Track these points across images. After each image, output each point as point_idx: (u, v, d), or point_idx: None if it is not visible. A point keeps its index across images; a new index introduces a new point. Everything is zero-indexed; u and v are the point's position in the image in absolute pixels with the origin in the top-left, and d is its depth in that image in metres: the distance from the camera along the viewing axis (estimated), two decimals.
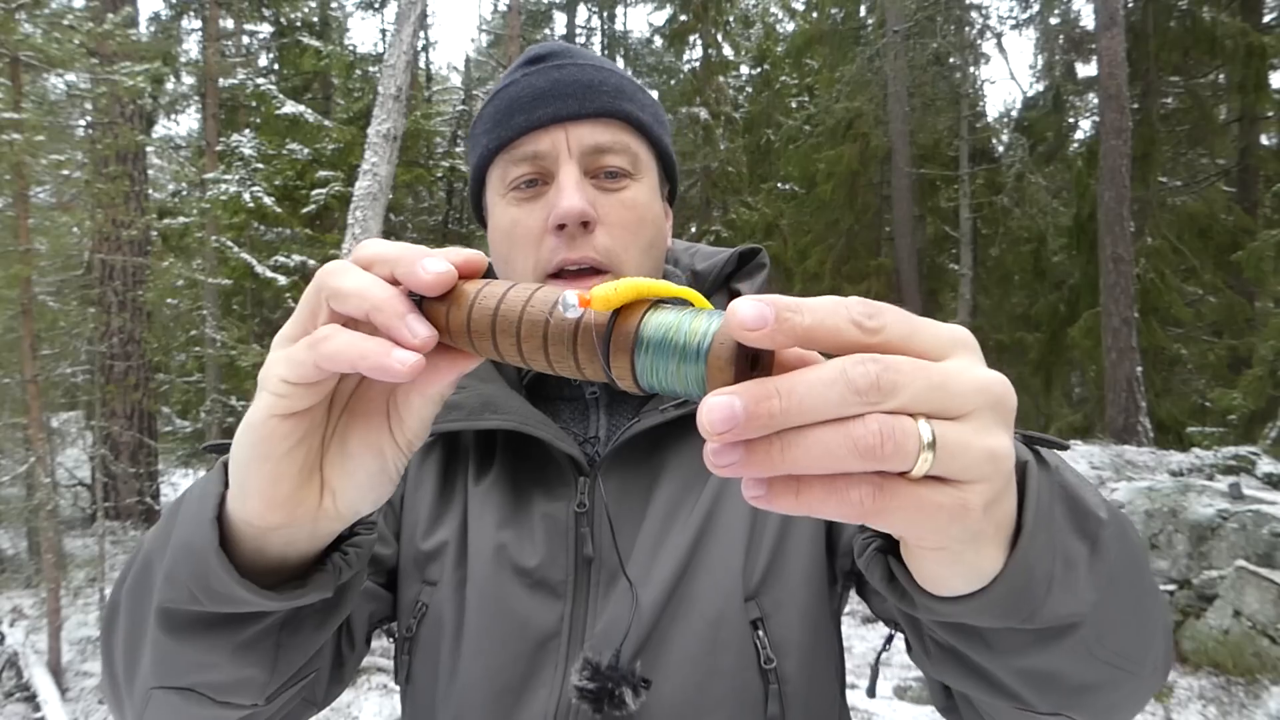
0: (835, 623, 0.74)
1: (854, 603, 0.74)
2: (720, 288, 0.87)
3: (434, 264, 0.39)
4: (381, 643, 5.42)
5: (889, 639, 0.71)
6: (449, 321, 0.40)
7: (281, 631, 0.50)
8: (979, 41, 14.74)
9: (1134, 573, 0.45)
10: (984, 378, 0.31)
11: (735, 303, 0.29)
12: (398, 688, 0.79)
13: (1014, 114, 16.72)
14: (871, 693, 0.75)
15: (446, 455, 0.80)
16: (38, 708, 5.06)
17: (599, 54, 0.82)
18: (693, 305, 0.34)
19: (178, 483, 12.48)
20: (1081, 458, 6.69)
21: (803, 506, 0.30)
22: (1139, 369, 9.22)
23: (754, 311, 0.29)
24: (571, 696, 0.64)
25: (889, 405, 0.29)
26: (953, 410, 0.30)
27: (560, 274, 0.72)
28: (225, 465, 0.46)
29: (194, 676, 0.50)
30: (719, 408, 0.28)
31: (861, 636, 5.74)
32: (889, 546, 0.41)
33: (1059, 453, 0.46)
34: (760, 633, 0.67)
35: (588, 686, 0.63)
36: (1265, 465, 6.29)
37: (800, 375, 0.29)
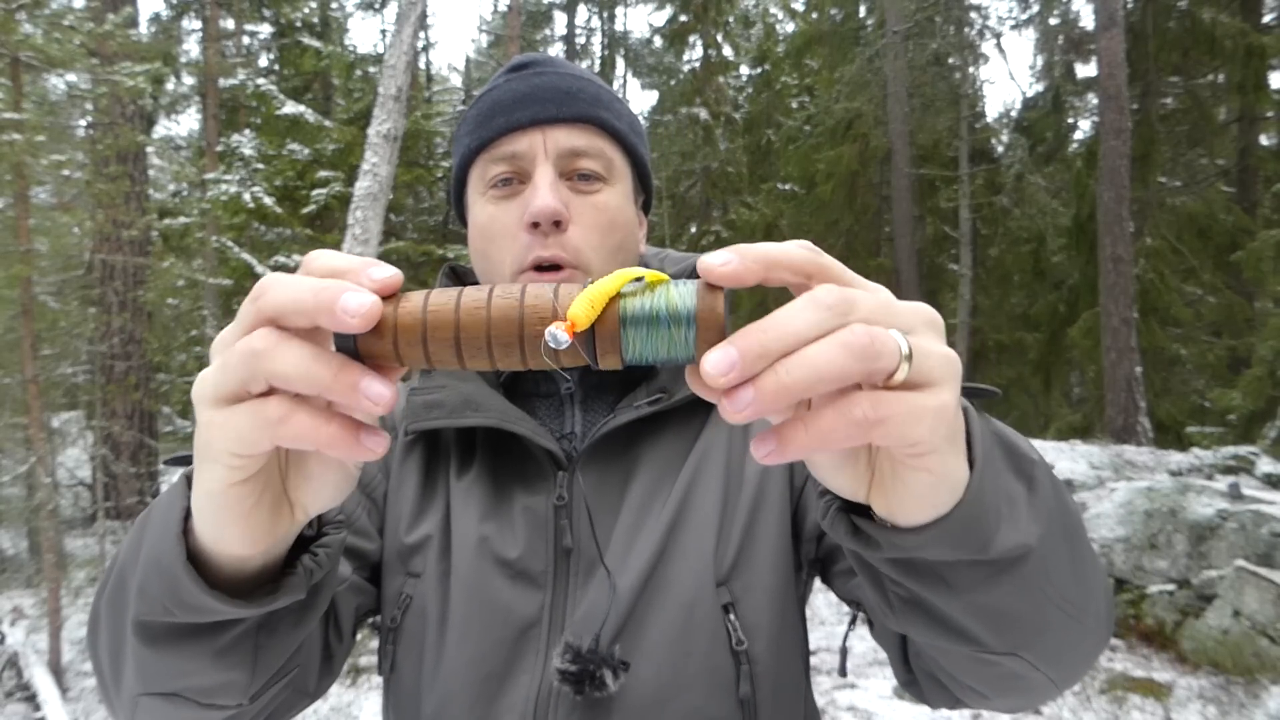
0: (801, 608, 0.78)
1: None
2: None
3: (355, 301, 0.35)
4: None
5: (853, 619, 0.75)
6: (396, 329, 0.37)
7: (259, 634, 0.51)
8: (979, 42, 14.75)
9: (1067, 516, 0.48)
10: (914, 303, 0.37)
11: (703, 256, 0.35)
12: (382, 695, 0.80)
13: (1014, 114, 16.73)
14: (842, 672, 0.80)
15: (428, 452, 0.83)
16: (38, 708, 5.06)
17: (584, 65, 0.88)
18: (648, 281, 0.37)
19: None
20: (1081, 458, 6.70)
21: (813, 437, 0.33)
22: (1139, 369, 9.23)
23: (720, 255, 0.35)
24: (553, 680, 0.67)
25: (855, 317, 0.34)
26: (903, 326, 0.35)
27: (535, 269, 0.75)
28: (188, 478, 0.46)
29: (177, 683, 0.52)
30: (717, 357, 0.33)
31: (861, 636, 5.75)
32: (850, 507, 0.45)
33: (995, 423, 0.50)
34: (731, 616, 0.71)
35: (569, 669, 0.66)
36: (1265, 465, 6.29)
37: (775, 313, 0.34)
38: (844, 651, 0.78)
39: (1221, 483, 5.68)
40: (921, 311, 0.37)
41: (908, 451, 0.36)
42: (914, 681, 0.64)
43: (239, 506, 0.41)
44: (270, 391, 0.37)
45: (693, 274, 0.88)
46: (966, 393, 0.49)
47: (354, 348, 0.38)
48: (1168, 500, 5.42)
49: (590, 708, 0.68)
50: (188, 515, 0.46)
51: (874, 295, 0.36)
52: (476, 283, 0.85)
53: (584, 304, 0.35)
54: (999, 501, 0.42)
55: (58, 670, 5.52)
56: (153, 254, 10.27)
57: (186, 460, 0.50)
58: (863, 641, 5.62)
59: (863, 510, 0.43)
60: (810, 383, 0.32)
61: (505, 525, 0.76)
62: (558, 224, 0.74)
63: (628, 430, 0.77)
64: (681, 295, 0.35)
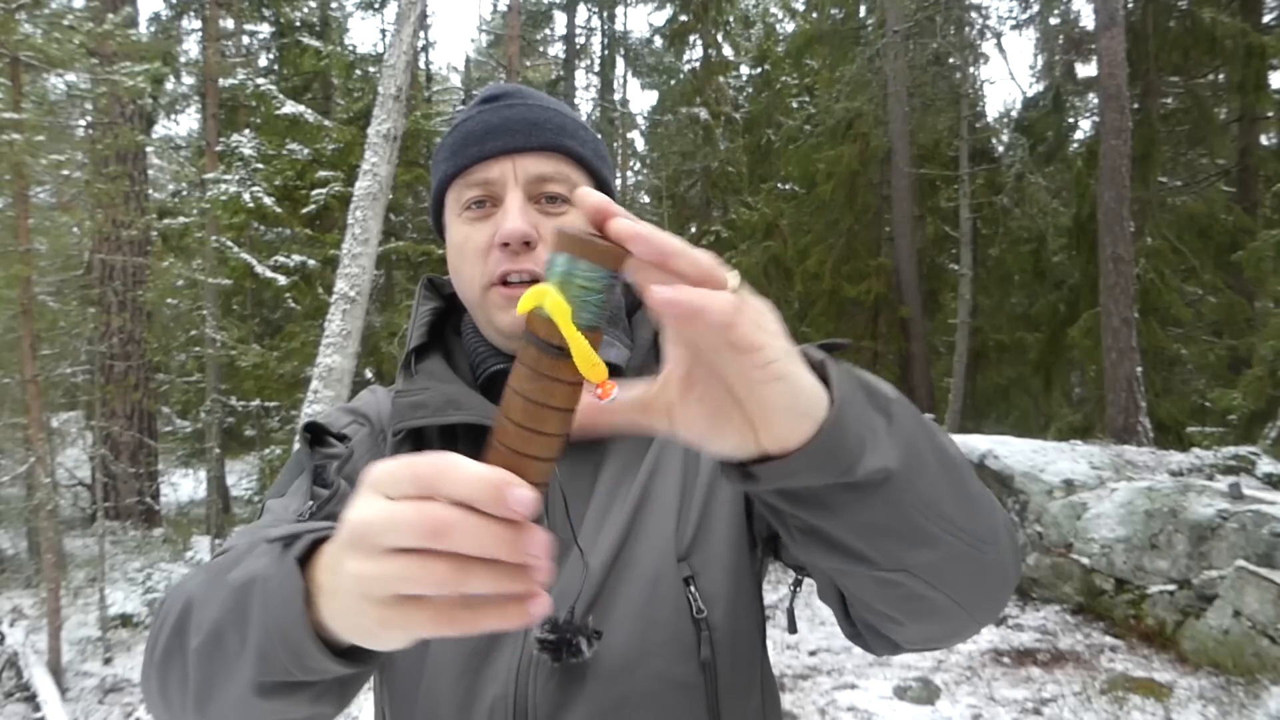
0: (757, 583, 0.86)
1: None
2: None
3: (526, 497, 0.40)
4: None
5: (797, 583, 0.84)
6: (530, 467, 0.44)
7: (350, 677, 0.57)
8: (979, 41, 14.74)
9: (934, 448, 0.54)
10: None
11: (575, 194, 0.43)
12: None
13: (1014, 114, 16.72)
14: (792, 629, 0.90)
15: (413, 450, 0.88)
16: (38, 708, 5.06)
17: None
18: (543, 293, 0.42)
19: (178, 483, 12.45)
20: (1082, 458, 6.69)
21: (698, 298, 0.40)
22: (1139, 369, 9.22)
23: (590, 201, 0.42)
24: (533, 649, 0.75)
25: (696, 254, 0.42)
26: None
27: (504, 283, 0.84)
28: (297, 561, 0.51)
29: (275, 719, 0.59)
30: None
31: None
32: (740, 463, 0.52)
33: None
34: (692, 588, 0.79)
35: (548, 638, 0.74)
36: (1265, 465, 6.29)
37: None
38: (790, 612, 0.89)
39: (1222, 483, 5.67)
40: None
41: (756, 359, 0.42)
42: (856, 633, 0.71)
43: (384, 644, 0.46)
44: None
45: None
46: (823, 349, 0.56)
47: None
48: (1168, 500, 5.42)
49: (567, 673, 0.75)
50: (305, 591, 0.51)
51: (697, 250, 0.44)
52: (453, 294, 0.95)
53: (588, 366, 0.41)
54: (860, 430, 0.48)
55: (57, 670, 5.52)
56: (152, 254, 10.27)
57: (319, 433, 0.56)
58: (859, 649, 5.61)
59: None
60: (675, 252, 0.41)
61: None
62: (527, 244, 0.83)
63: None
64: (593, 275, 0.41)
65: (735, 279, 0.43)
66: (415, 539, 0.40)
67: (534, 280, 0.82)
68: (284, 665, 0.52)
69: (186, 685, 0.61)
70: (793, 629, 0.90)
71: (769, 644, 0.91)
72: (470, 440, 0.87)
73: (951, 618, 0.60)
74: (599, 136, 0.96)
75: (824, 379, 0.48)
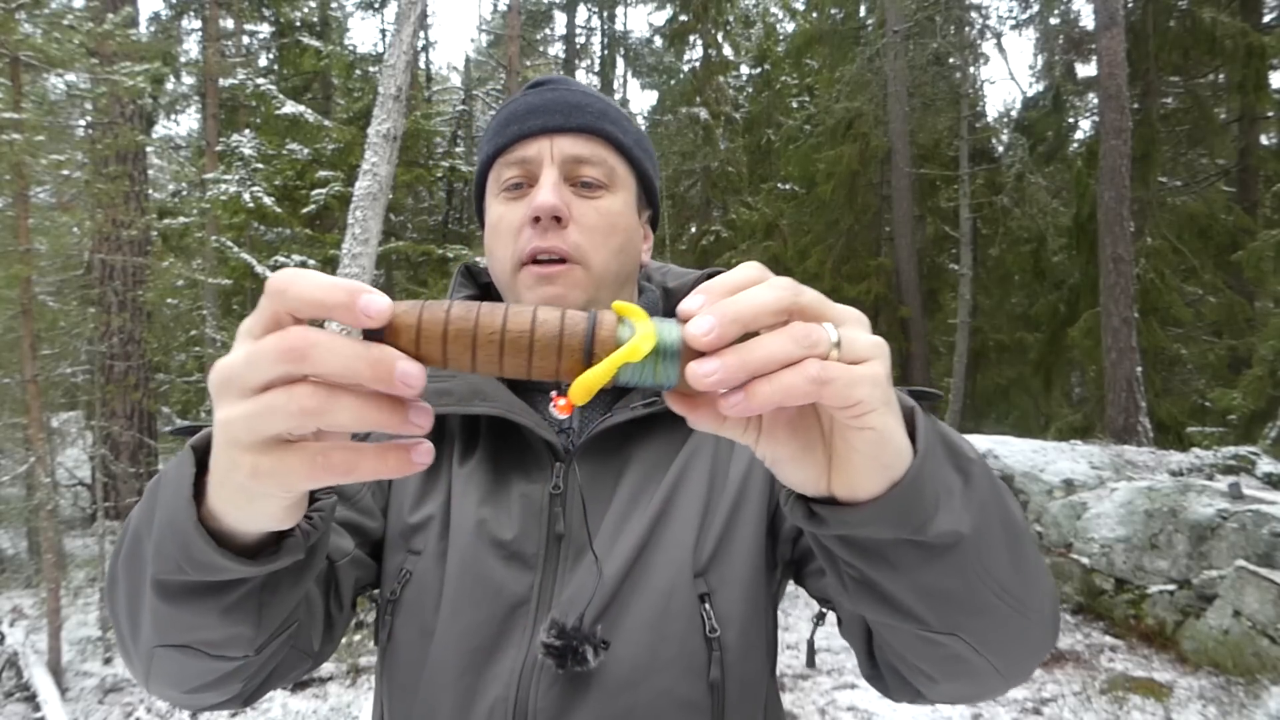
0: (772, 606, 0.83)
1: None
2: None
3: (377, 304, 0.39)
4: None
5: (821, 615, 0.82)
6: (419, 329, 0.42)
7: (263, 592, 0.55)
8: (979, 41, 14.74)
9: (1006, 516, 0.54)
10: (845, 306, 0.45)
11: (687, 327, 0.41)
12: (375, 663, 0.85)
13: (1014, 114, 16.73)
14: (810, 664, 0.88)
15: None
16: (38, 708, 5.06)
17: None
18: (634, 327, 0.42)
19: None
20: (1081, 458, 6.70)
21: (776, 389, 0.40)
22: (1139, 369, 9.22)
23: (702, 323, 0.40)
24: (538, 654, 0.73)
25: (803, 299, 0.42)
26: (836, 317, 0.43)
27: (534, 261, 0.82)
28: (194, 450, 0.50)
29: (190, 635, 0.57)
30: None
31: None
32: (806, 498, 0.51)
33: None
34: (707, 606, 0.77)
35: (554, 644, 0.72)
36: (1265, 465, 6.28)
37: (744, 290, 0.42)
38: (810, 644, 0.88)
39: (1222, 483, 5.67)
40: (853, 311, 0.45)
41: (852, 412, 0.42)
42: (878, 675, 0.69)
43: (266, 510, 0.46)
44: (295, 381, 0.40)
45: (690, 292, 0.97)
46: (915, 395, 0.56)
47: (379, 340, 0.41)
48: (1168, 500, 5.41)
49: (570, 681, 0.73)
50: (197, 483, 0.50)
51: (814, 291, 0.43)
52: (489, 283, 0.94)
53: (582, 390, 0.41)
54: (937, 488, 0.47)
55: (57, 670, 5.52)
56: (152, 254, 10.26)
57: (191, 432, 0.54)
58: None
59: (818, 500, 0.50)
60: (764, 362, 0.40)
61: (502, 509, 0.81)
62: (558, 220, 0.81)
63: (622, 429, 0.83)
64: (666, 370, 0.41)
65: (832, 333, 0.42)
66: (276, 365, 0.39)
67: (563, 261, 0.81)
68: (175, 558, 0.51)
69: (119, 606, 0.61)
70: (811, 663, 0.90)
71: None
72: (494, 434, 0.86)
73: (987, 680, 0.59)
74: (642, 130, 0.94)
75: (910, 429, 0.47)
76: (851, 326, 0.44)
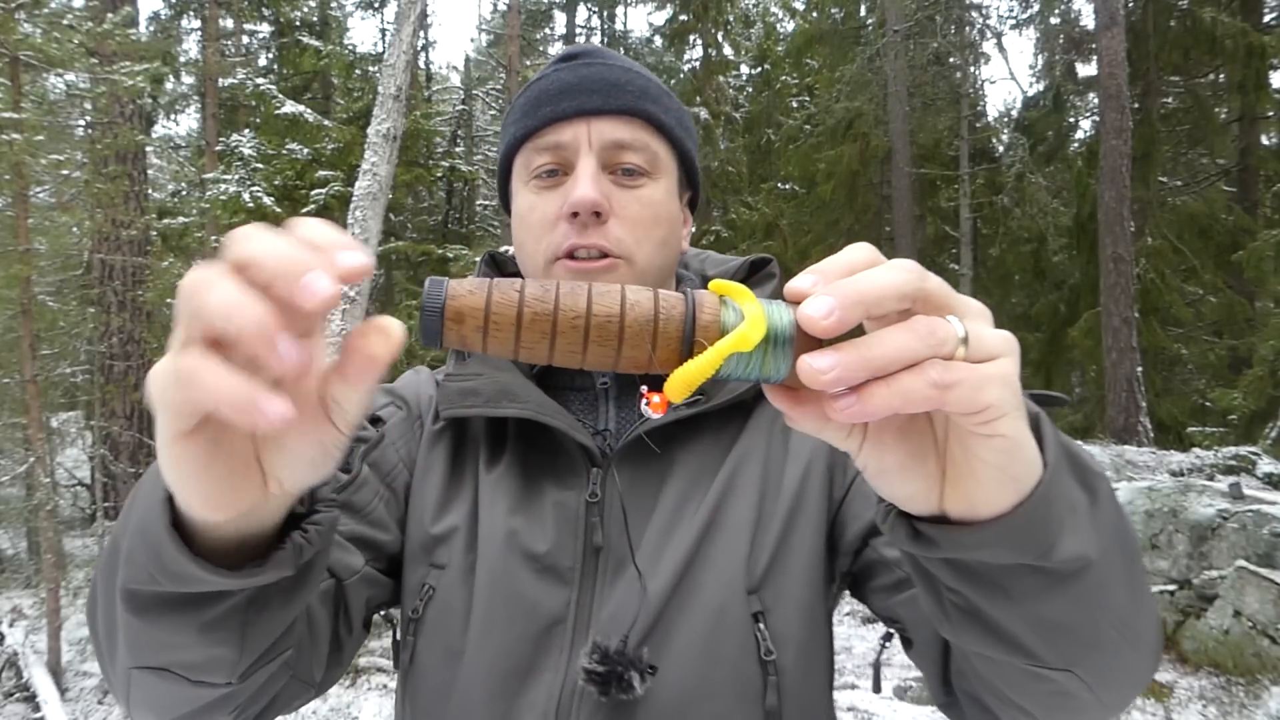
0: (829, 621, 0.77)
1: (854, 603, 0.78)
2: None
3: (320, 284, 0.34)
4: (382, 643, 5.42)
5: (887, 636, 0.74)
6: (488, 316, 0.36)
7: (248, 610, 0.50)
8: (979, 41, 14.74)
9: (1125, 536, 0.48)
10: (974, 300, 0.40)
11: (802, 306, 0.36)
12: (396, 687, 0.79)
13: (1014, 114, 16.73)
14: (876, 688, 0.80)
15: (455, 442, 0.81)
16: (38, 708, 5.06)
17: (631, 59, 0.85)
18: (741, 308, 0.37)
19: None
20: None
21: (895, 393, 0.35)
22: (1139, 369, 9.22)
23: (819, 304, 0.36)
24: (578, 679, 0.66)
25: (929, 285, 0.38)
26: (961, 309, 0.39)
27: (571, 256, 0.74)
28: None
29: (165, 656, 0.51)
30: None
31: (861, 636, 5.74)
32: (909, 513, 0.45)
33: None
34: (761, 625, 0.70)
35: (597, 670, 0.65)
36: (1265, 465, 6.28)
37: (865, 271, 0.38)
38: (877, 667, 0.79)
39: (1222, 483, 5.67)
40: (980, 305, 0.41)
41: (980, 418, 0.37)
42: (954, 704, 0.63)
43: (187, 462, 0.40)
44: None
45: (750, 278, 0.89)
46: (1037, 400, 0.49)
47: (439, 328, 0.36)
48: (1168, 500, 5.41)
49: (614, 710, 0.66)
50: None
51: (940, 282, 0.39)
52: (517, 272, 0.85)
53: (682, 385, 0.36)
54: (1063, 507, 0.42)
55: (57, 670, 5.52)
56: (152, 254, 10.26)
57: None
58: (863, 642, 5.61)
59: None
60: (887, 361, 0.35)
61: (535, 519, 0.75)
62: (598, 215, 0.74)
63: (664, 431, 0.76)
64: (776, 361, 0.36)
65: (958, 327, 0.37)
66: (182, 316, 0.36)
67: (604, 256, 0.75)
68: (146, 565, 0.46)
69: (98, 622, 0.56)
70: (877, 688, 0.81)
71: None
72: (523, 437, 0.79)
73: (1089, 716, 0.53)
74: (683, 106, 0.85)
75: (1037, 438, 0.42)
76: (976, 320, 0.39)
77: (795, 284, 0.37)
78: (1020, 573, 0.43)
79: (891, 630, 0.73)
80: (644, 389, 0.38)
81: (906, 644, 0.70)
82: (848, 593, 0.80)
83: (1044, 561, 0.42)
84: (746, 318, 0.36)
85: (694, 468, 0.76)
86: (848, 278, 0.37)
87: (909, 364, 0.36)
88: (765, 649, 0.69)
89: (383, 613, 0.81)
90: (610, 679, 0.65)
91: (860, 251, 0.39)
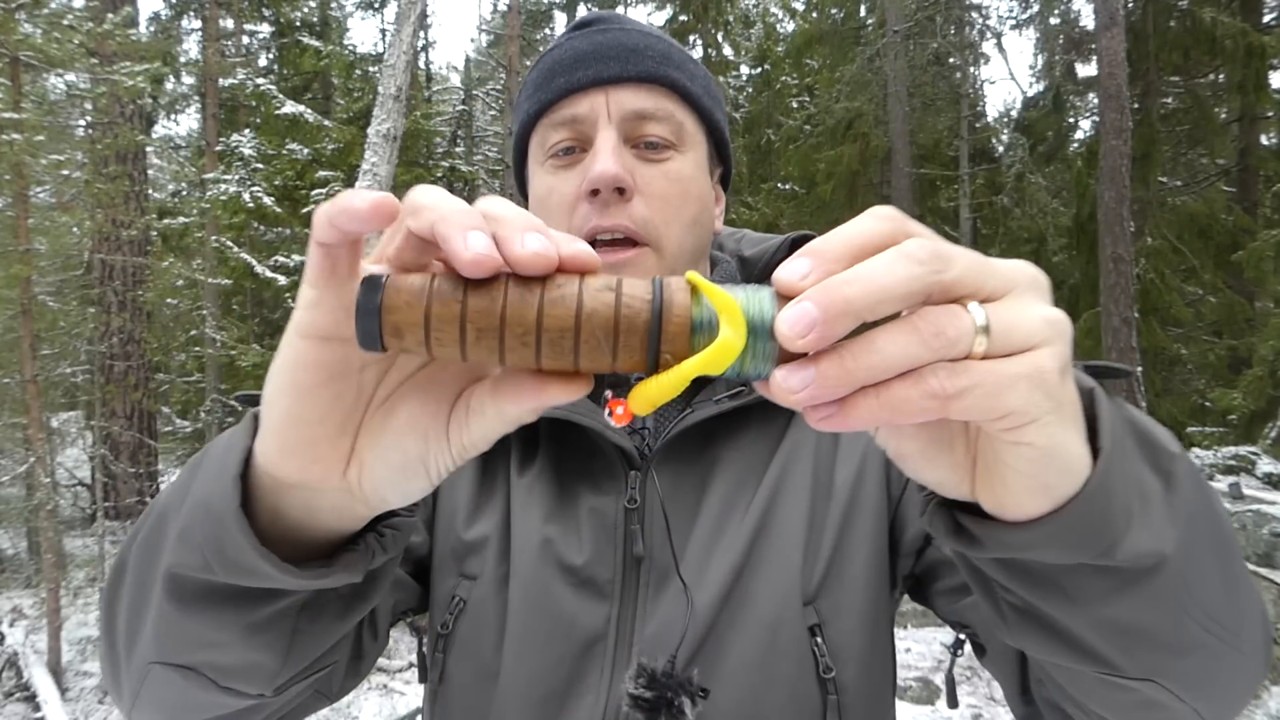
0: (890, 629, 0.71)
1: None
2: (769, 276, 0.83)
3: (536, 240, 0.32)
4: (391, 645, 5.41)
5: (958, 644, 0.68)
6: (428, 324, 0.33)
7: (300, 616, 0.45)
8: (979, 41, 14.74)
9: (1213, 520, 0.42)
10: (1014, 263, 0.34)
11: (779, 315, 0.31)
12: (398, 689, 0.75)
13: (1014, 114, 16.73)
14: (952, 703, 0.73)
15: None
16: (38, 708, 5.06)
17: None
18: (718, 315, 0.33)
19: None
20: None
21: (884, 406, 0.30)
22: (1139, 369, 9.23)
23: (797, 319, 0.30)
24: (623, 704, 0.60)
25: (948, 276, 0.31)
26: (997, 288, 0.32)
27: (593, 243, 0.67)
28: (256, 417, 0.41)
29: (198, 655, 0.46)
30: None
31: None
32: (951, 502, 0.39)
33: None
34: (818, 639, 0.64)
35: (644, 695, 0.59)
36: (1265, 465, 6.29)
37: (864, 263, 0.31)
38: (950, 681, 0.73)
39: (1222, 483, 5.67)
40: (1019, 272, 0.33)
41: (1003, 425, 0.32)
42: (1034, 714, 0.57)
43: (299, 371, 0.37)
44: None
45: (771, 263, 0.82)
46: (1096, 373, 0.43)
47: (379, 342, 0.34)
48: None
49: None
50: (249, 459, 0.41)
51: (968, 253, 0.32)
52: None
53: (644, 401, 0.33)
54: (1129, 497, 0.36)
55: (57, 670, 5.51)
56: (152, 254, 10.26)
57: (256, 400, 0.44)
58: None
59: (965, 506, 0.38)
60: (873, 370, 0.30)
61: (570, 528, 0.69)
62: (621, 192, 0.67)
63: (705, 427, 0.70)
64: (757, 363, 0.32)
65: (978, 315, 0.31)
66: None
67: (629, 241, 0.68)
68: (202, 550, 0.41)
69: (120, 603, 0.49)
70: (953, 703, 0.73)
71: None
72: (554, 438, 0.72)
73: None
74: (710, 74, 0.78)
75: (1090, 419, 0.36)
76: (1017, 297, 0.32)
77: (784, 274, 0.32)
78: (1080, 572, 0.37)
79: (962, 637, 0.67)
80: (609, 395, 0.35)
81: (979, 650, 0.64)
82: (906, 596, 0.75)
83: (1107, 560, 0.36)
84: (720, 335, 0.31)
85: (740, 467, 0.70)
86: (844, 272, 0.31)
87: (906, 370, 0.30)
88: (824, 665, 0.63)
89: (408, 620, 0.76)
90: (659, 705, 0.59)
91: (871, 225, 0.33)
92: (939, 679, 4.89)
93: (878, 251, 0.31)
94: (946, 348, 0.30)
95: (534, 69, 0.75)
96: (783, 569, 0.66)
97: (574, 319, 0.32)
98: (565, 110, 0.70)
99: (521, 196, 0.80)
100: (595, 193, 0.67)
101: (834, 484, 0.69)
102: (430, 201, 0.34)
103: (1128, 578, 0.37)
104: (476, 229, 0.32)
